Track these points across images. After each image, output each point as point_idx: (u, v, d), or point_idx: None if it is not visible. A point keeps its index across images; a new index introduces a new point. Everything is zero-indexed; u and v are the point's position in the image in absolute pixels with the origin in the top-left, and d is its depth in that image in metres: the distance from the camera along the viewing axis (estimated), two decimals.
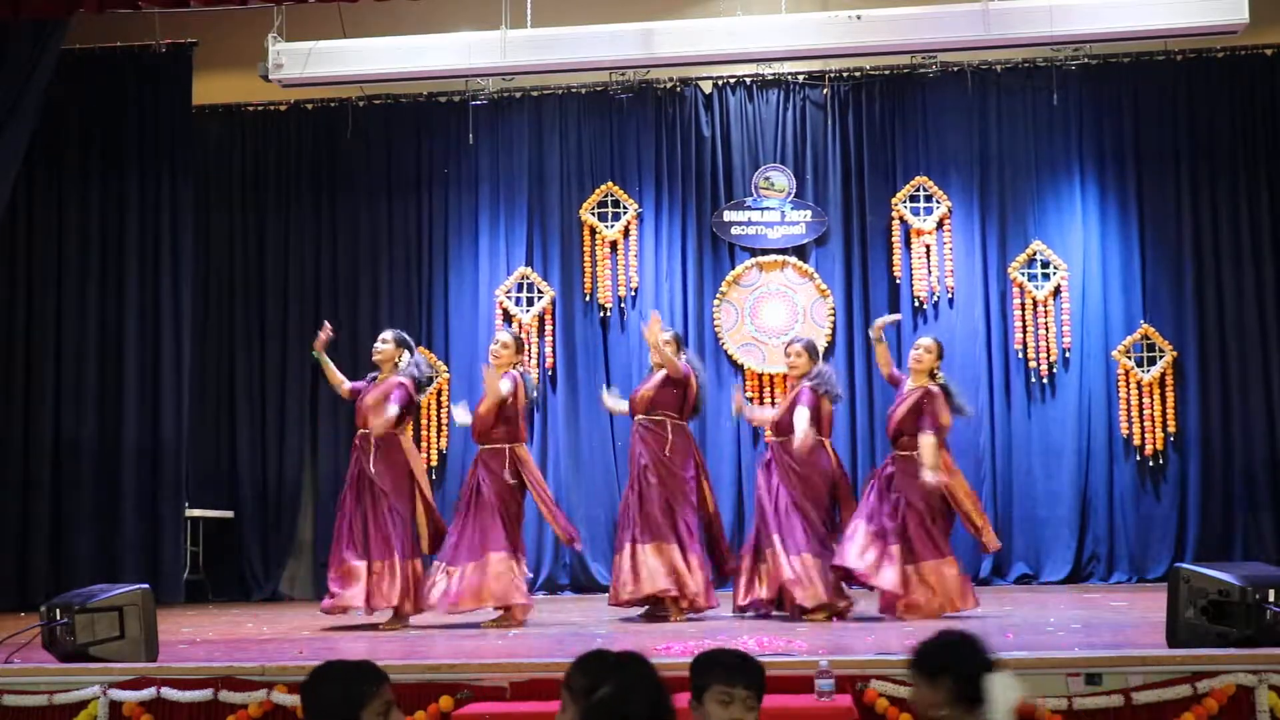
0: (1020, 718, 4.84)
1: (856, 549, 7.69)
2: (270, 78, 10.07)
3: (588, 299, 11.11)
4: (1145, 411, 10.59)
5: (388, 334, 8.33)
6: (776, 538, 7.79)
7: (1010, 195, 10.96)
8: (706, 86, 11.20)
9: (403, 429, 8.13)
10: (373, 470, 7.93)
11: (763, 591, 7.86)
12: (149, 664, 5.69)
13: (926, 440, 7.67)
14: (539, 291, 11.15)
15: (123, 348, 10.67)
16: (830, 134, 11.09)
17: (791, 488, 7.86)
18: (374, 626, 7.91)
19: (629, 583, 7.88)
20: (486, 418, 7.97)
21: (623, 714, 2.75)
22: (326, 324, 8.40)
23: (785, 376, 8.37)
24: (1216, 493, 10.47)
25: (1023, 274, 10.81)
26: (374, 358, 8.21)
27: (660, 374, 8.13)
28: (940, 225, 10.93)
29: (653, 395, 8.09)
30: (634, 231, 11.15)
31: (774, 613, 7.85)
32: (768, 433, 8.22)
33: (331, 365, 8.29)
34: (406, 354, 8.22)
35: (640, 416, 8.13)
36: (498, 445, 7.93)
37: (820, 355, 8.43)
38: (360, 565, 7.84)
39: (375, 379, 8.22)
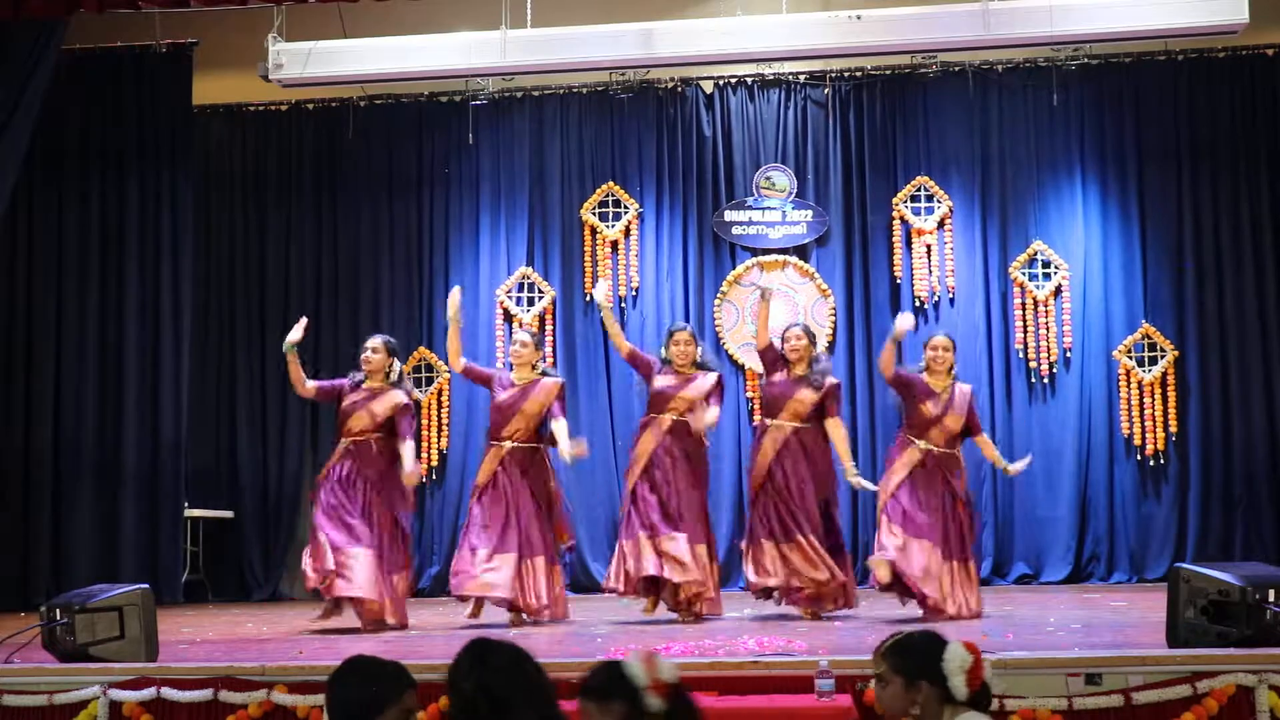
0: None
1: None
2: (270, 78, 10.07)
3: (588, 299, 11.11)
4: (1146, 411, 10.59)
5: (378, 339, 8.29)
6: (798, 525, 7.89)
7: (1011, 195, 10.96)
8: (707, 86, 11.20)
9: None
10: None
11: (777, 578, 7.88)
12: (149, 664, 5.69)
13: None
14: (540, 291, 11.15)
15: (123, 347, 10.67)
16: (831, 134, 11.09)
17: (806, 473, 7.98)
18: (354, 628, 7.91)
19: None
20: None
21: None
22: (304, 319, 8.34)
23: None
24: (1216, 493, 10.47)
25: (1023, 273, 10.81)
26: (365, 366, 8.16)
27: (705, 380, 8.04)
28: (941, 225, 10.93)
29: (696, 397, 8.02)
30: (635, 231, 11.15)
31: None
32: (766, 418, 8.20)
33: (298, 363, 8.21)
34: (397, 363, 8.23)
35: (675, 416, 8.01)
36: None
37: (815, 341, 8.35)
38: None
39: (361, 384, 8.17)
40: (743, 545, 8.12)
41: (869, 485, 8.10)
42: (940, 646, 3.26)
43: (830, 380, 8.03)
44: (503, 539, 7.80)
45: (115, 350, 10.69)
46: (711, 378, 8.06)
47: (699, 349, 8.08)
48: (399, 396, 8.09)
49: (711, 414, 7.97)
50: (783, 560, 7.82)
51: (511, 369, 8.25)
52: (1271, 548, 10.15)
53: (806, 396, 7.94)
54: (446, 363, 8.49)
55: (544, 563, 7.93)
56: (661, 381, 8.03)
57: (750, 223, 11.03)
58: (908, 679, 3.24)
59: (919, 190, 10.95)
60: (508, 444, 7.99)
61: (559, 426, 7.98)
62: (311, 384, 8.27)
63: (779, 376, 8.05)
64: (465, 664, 2.92)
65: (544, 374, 8.18)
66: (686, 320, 10.95)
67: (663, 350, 8.11)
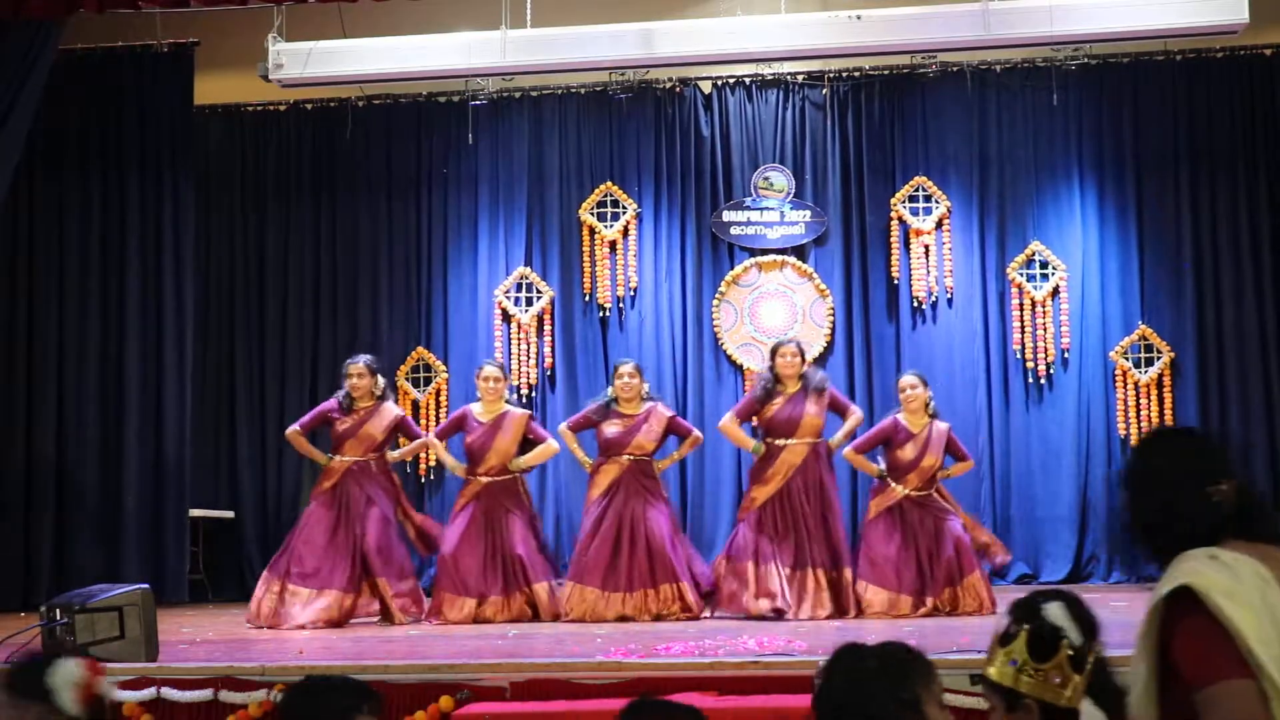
0: None
1: None
2: (270, 78, 10.06)
3: (587, 299, 11.11)
4: (1143, 412, 10.59)
5: (361, 364, 8.51)
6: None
7: (1009, 196, 10.95)
8: (706, 86, 11.20)
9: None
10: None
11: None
12: (149, 664, 5.70)
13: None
14: (538, 291, 11.15)
15: (123, 348, 10.65)
16: (830, 134, 11.09)
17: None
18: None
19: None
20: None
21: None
22: None
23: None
24: None
25: (1021, 274, 10.81)
26: (353, 392, 8.44)
27: (656, 425, 8.39)
28: (939, 225, 10.93)
29: (654, 448, 8.45)
30: (633, 231, 11.15)
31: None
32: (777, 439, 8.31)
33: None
34: (381, 379, 8.62)
35: (630, 458, 8.34)
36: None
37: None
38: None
39: (350, 408, 8.39)
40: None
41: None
42: (49, 664, 3.12)
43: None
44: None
45: (116, 350, 10.66)
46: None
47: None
48: (392, 410, 8.49)
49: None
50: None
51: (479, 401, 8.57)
52: None
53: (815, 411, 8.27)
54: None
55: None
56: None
57: (748, 223, 11.02)
58: (18, 699, 3.08)
59: (917, 191, 10.95)
60: (483, 479, 8.23)
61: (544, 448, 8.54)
62: (298, 430, 8.68)
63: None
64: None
65: (509, 404, 8.55)
66: (685, 320, 11.00)
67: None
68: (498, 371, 8.51)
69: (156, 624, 6.08)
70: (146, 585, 6.20)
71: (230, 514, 11.07)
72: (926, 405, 8.37)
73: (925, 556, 8.10)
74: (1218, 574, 2.43)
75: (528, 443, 8.43)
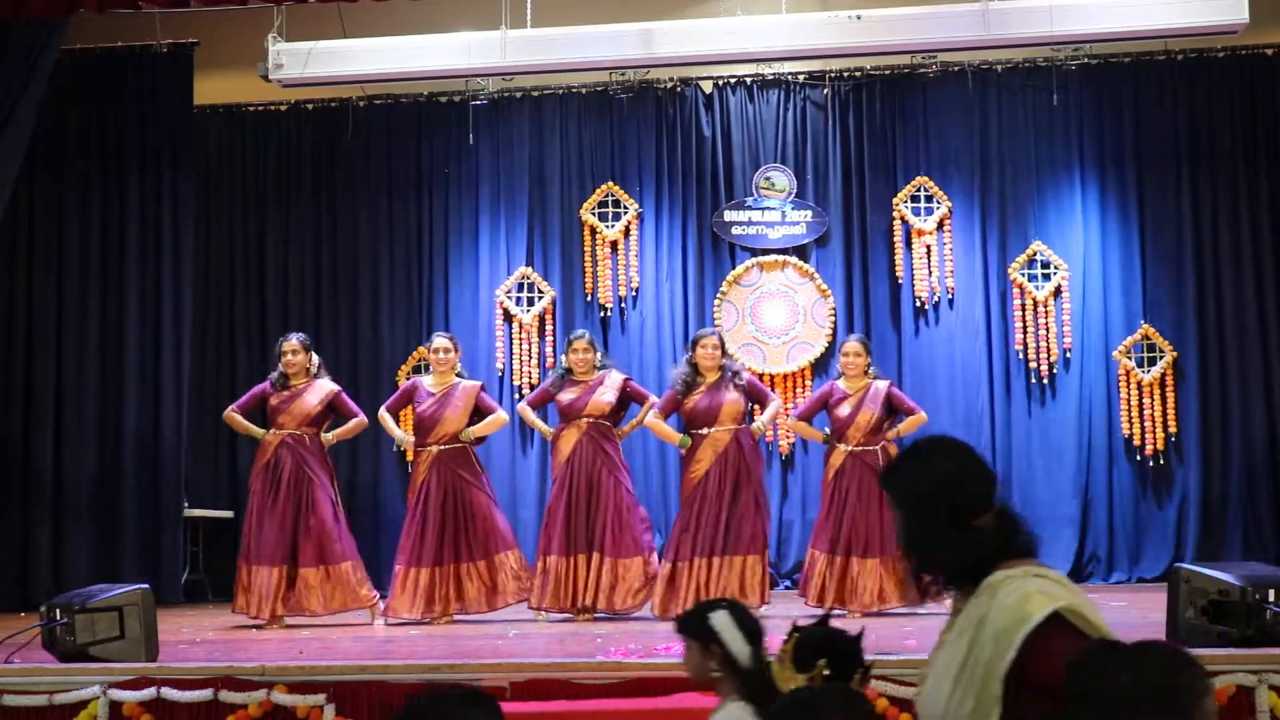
0: None
1: None
2: (270, 78, 10.05)
3: (588, 299, 11.11)
4: (1145, 412, 10.58)
5: (295, 340, 8.56)
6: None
7: (1011, 195, 10.96)
8: (707, 86, 11.20)
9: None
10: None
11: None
12: (149, 664, 5.69)
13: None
14: (539, 291, 11.15)
15: (123, 347, 10.65)
16: (831, 134, 11.09)
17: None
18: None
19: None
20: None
21: None
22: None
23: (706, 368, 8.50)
24: (1216, 493, 10.46)
25: (1023, 274, 10.81)
26: (288, 369, 8.46)
27: (611, 386, 8.39)
28: (941, 225, 10.92)
29: (610, 408, 8.41)
30: (634, 231, 11.15)
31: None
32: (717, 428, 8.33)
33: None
34: (315, 356, 8.62)
35: (589, 420, 8.35)
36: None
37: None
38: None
39: (285, 385, 8.43)
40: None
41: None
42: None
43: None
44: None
45: (115, 350, 10.67)
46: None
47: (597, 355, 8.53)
48: (326, 385, 8.50)
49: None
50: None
51: (430, 372, 8.63)
52: (1271, 548, 10.15)
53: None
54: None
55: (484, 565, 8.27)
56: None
57: (750, 223, 11.02)
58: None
59: (919, 190, 10.95)
60: (434, 448, 8.28)
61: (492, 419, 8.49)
62: (234, 410, 8.63)
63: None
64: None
65: (459, 376, 8.52)
66: (686, 320, 10.99)
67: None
68: (447, 343, 8.52)
69: (156, 624, 6.07)
70: (146, 585, 6.19)
71: (230, 514, 11.06)
72: (865, 371, 8.47)
73: (861, 515, 8.15)
74: (1065, 592, 2.58)
75: (478, 414, 8.43)
